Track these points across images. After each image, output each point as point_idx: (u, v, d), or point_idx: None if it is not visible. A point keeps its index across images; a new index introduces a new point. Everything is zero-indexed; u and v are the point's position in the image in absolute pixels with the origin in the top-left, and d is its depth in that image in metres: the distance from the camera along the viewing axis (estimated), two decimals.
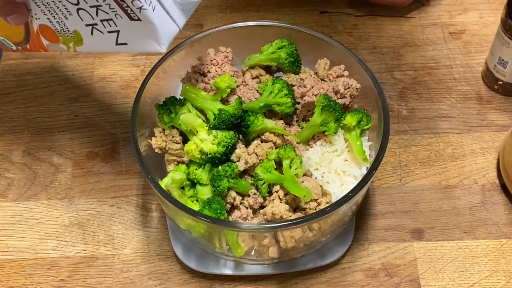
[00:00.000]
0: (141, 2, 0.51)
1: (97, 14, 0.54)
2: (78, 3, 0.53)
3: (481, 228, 0.71)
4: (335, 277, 0.68)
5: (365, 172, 0.63)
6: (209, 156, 0.60)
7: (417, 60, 0.86)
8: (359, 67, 0.66)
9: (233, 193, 0.61)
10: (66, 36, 0.58)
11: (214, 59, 0.67)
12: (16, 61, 0.87)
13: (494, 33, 0.80)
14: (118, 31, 0.55)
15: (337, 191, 0.62)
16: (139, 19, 0.53)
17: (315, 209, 0.60)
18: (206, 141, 0.61)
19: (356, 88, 0.66)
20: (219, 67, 0.67)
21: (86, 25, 0.56)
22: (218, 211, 0.58)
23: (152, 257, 0.70)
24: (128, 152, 0.78)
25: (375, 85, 0.64)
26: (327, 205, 0.60)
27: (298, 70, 0.68)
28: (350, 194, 0.57)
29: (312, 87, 0.64)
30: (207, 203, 0.59)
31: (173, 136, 0.63)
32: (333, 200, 0.61)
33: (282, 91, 0.63)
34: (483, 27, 0.90)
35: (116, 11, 0.53)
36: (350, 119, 0.63)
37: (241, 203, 0.61)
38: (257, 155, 0.62)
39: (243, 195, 0.62)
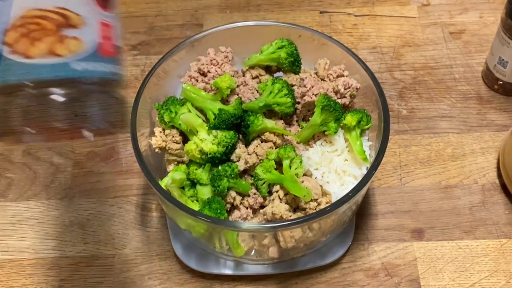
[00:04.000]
0: None
1: None
2: None
3: (481, 228, 0.71)
4: (335, 277, 0.68)
5: (365, 172, 0.63)
6: (209, 156, 0.60)
7: (417, 60, 0.86)
8: (359, 67, 0.66)
9: (233, 193, 0.61)
10: None
11: (214, 59, 0.67)
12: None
13: (494, 33, 0.80)
14: None
15: (337, 191, 0.62)
16: None
17: (315, 209, 0.60)
18: (206, 141, 0.61)
19: (356, 88, 0.66)
20: (219, 67, 0.67)
21: None
22: (218, 211, 0.58)
23: (152, 257, 0.70)
24: (128, 152, 0.78)
25: (375, 85, 0.64)
26: (327, 205, 0.60)
27: (298, 70, 0.68)
28: (350, 194, 0.57)
29: (312, 87, 0.64)
30: (207, 203, 0.59)
31: (173, 136, 0.63)
32: (333, 200, 0.61)
33: (282, 91, 0.63)
34: (483, 27, 0.90)
35: None
36: (350, 119, 0.63)
37: (241, 203, 0.61)
38: (257, 155, 0.62)
39: (243, 195, 0.62)
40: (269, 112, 0.64)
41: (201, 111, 0.64)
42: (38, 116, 0.81)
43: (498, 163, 0.76)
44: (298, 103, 0.65)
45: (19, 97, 0.44)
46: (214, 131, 0.61)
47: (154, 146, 0.63)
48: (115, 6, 0.46)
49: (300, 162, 0.61)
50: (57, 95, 0.43)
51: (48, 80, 0.43)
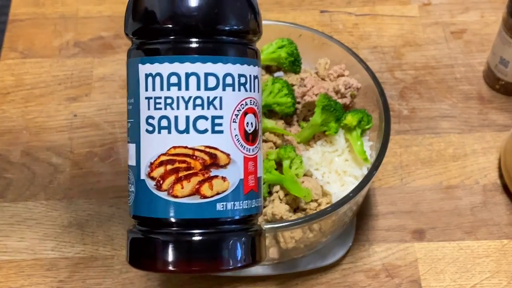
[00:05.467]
0: None
1: None
2: None
3: (483, 229, 0.71)
4: (336, 278, 0.68)
5: (365, 172, 0.62)
6: None
7: (418, 60, 0.86)
8: (360, 66, 0.66)
9: None
10: None
11: None
12: (15, 60, 0.87)
13: (495, 32, 0.79)
14: None
15: (338, 192, 0.62)
16: None
17: (316, 210, 0.60)
18: None
19: (357, 88, 0.65)
20: None
21: None
22: None
23: None
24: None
25: (376, 84, 0.64)
26: (328, 205, 0.59)
27: (298, 69, 0.68)
28: (351, 195, 0.57)
29: (313, 87, 0.64)
30: None
31: None
32: (334, 200, 0.61)
33: (282, 91, 0.62)
34: (484, 26, 0.89)
35: None
36: (350, 119, 0.63)
37: None
38: None
39: None
40: (269, 112, 0.64)
41: None
42: (37, 115, 0.81)
43: (499, 163, 0.75)
44: (299, 103, 0.65)
45: (157, 233, 0.44)
46: None
47: None
48: (260, 136, 0.45)
49: (301, 162, 0.60)
50: (197, 236, 0.42)
51: (189, 220, 0.43)
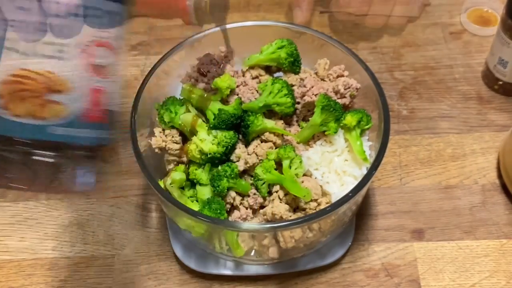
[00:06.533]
0: None
1: None
2: None
3: (482, 228, 0.71)
4: (335, 277, 0.68)
5: (365, 172, 0.63)
6: (208, 156, 0.60)
7: (417, 60, 0.86)
8: (359, 67, 0.66)
9: (233, 193, 0.61)
10: None
11: (214, 59, 0.67)
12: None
13: (494, 33, 0.80)
14: None
15: (337, 191, 0.62)
16: None
17: (315, 209, 0.60)
18: (206, 141, 0.61)
19: (356, 88, 0.66)
20: (219, 67, 0.66)
21: None
22: (218, 211, 0.58)
23: (152, 257, 0.70)
24: (127, 152, 0.78)
25: (375, 85, 0.64)
26: (327, 205, 0.59)
27: (298, 70, 0.68)
28: (350, 194, 0.57)
29: (312, 87, 0.64)
30: (207, 203, 0.59)
31: (173, 136, 0.63)
32: (333, 200, 0.61)
33: (281, 91, 0.62)
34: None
35: None
36: (350, 119, 0.63)
37: (241, 203, 0.61)
38: (257, 155, 0.62)
39: (243, 195, 0.62)
40: (269, 112, 0.64)
41: (201, 111, 0.64)
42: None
43: (498, 163, 0.75)
44: (298, 103, 0.65)
45: (6, 151, 0.45)
46: (213, 131, 0.61)
47: (153, 146, 0.63)
48: (113, 70, 0.46)
49: (300, 162, 0.61)
50: (41, 156, 0.44)
51: (37, 141, 0.44)
